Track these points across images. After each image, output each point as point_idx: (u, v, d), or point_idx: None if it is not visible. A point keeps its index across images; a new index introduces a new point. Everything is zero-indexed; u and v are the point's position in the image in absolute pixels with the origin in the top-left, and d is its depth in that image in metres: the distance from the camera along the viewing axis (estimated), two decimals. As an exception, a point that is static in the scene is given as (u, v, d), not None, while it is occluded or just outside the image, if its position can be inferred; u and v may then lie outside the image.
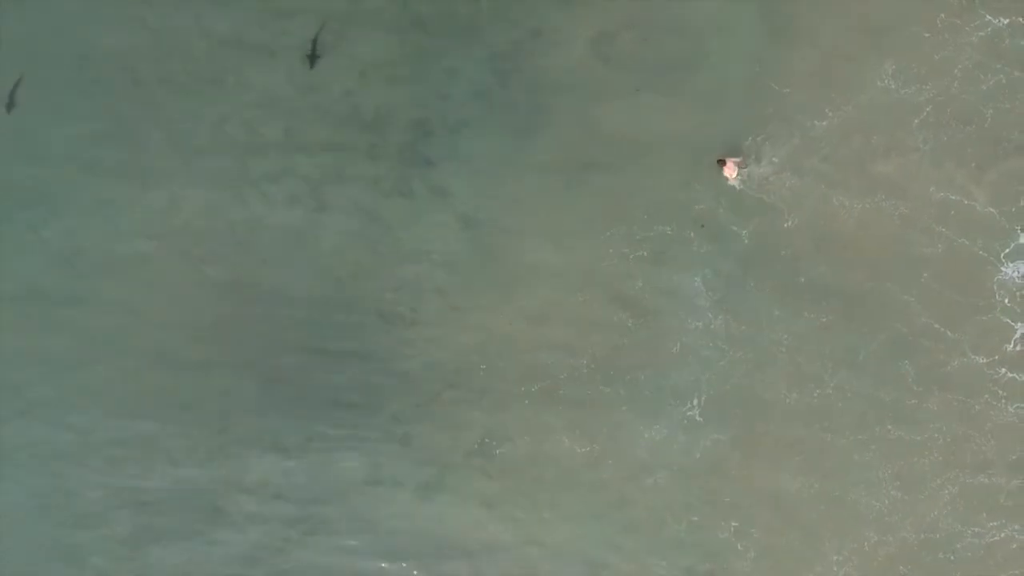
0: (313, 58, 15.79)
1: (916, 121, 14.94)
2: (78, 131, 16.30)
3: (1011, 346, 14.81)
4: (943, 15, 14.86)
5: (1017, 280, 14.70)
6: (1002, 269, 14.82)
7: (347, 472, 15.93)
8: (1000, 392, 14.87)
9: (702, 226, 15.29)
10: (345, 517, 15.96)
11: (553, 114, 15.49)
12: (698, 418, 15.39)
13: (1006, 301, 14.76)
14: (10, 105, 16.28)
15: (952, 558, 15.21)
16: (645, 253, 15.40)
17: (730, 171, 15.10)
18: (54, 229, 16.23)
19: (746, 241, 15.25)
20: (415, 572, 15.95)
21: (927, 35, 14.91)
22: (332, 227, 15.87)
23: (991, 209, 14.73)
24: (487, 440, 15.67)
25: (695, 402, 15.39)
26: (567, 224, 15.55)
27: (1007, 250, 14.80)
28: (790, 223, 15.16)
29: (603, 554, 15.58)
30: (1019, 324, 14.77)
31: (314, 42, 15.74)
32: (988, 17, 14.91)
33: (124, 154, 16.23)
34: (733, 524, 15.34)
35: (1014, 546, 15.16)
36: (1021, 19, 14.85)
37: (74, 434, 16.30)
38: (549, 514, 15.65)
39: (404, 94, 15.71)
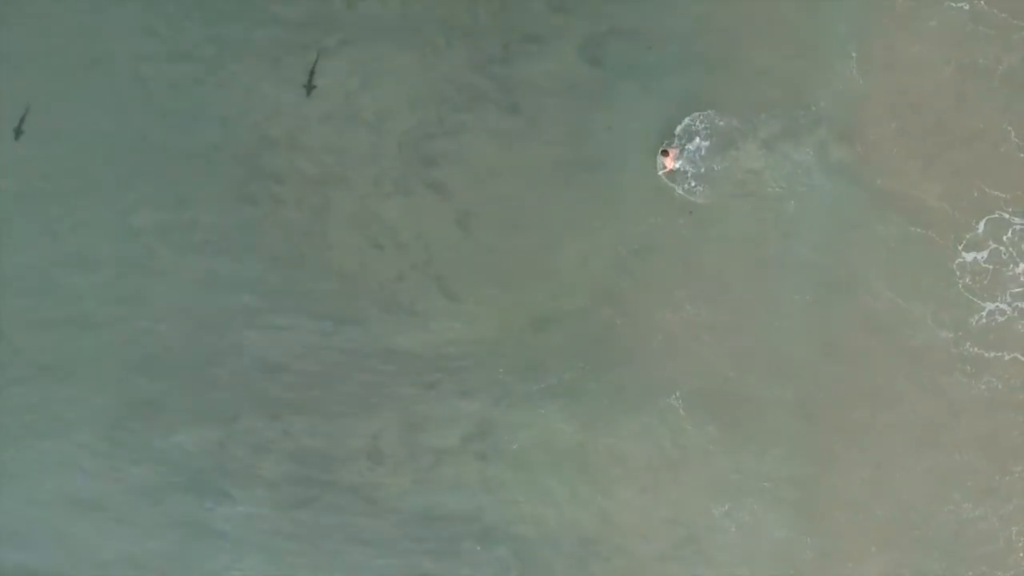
0: (310, 87, 16.57)
1: (878, 110, 15.53)
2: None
3: (975, 321, 15.27)
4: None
5: (982, 263, 15.17)
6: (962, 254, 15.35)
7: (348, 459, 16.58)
8: (968, 368, 15.36)
9: (690, 212, 15.92)
10: (344, 501, 16.57)
11: (546, 115, 16.23)
12: (681, 411, 15.95)
13: (967, 280, 15.27)
14: (18, 132, 16.97)
15: (927, 536, 15.66)
16: (637, 246, 16.06)
17: (671, 161, 15.88)
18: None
19: (729, 227, 15.93)
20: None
21: (886, 22, 15.44)
22: (335, 224, 16.59)
23: (944, 204, 15.28)
24: (483, 429, 16.31)
25: (677, 393, 15.99)
26: (560, 220, 16.26)
27: (962, 244, 15.34)
28: (770, 210, 15.82)
29: (595, 533, 16.18)
30: (987, 303, 15.22)
31: (311, 72, 16.54)
32: (948, 2, 15.25)
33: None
34: (725, 507, 15.87)
35: (985, 525, 15.60)
36: (982, 3, 15.17)
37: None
38: (543, 498, 16.25)
39: (404, 97, 16.48)
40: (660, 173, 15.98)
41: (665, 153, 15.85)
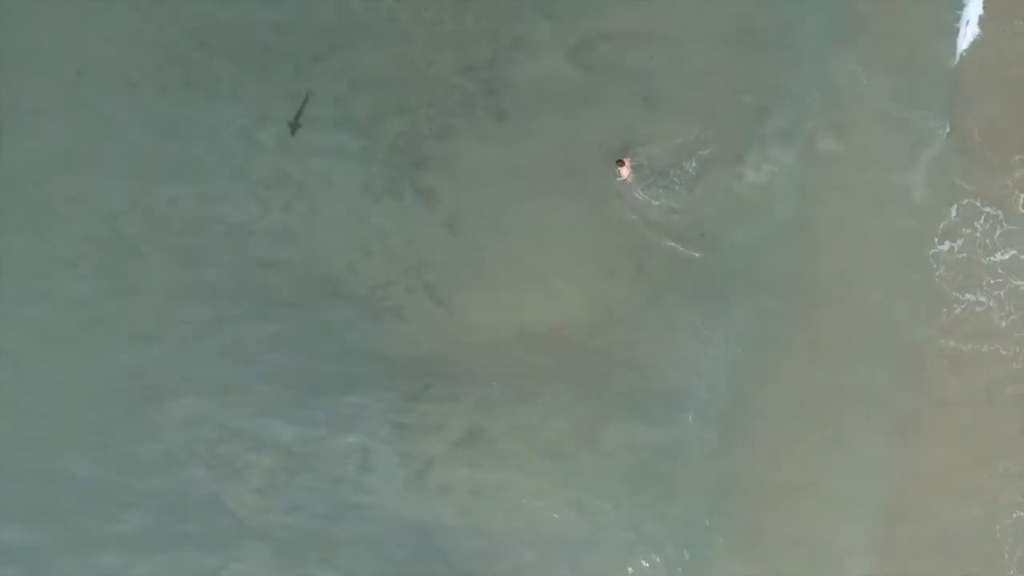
0: (295, 126, 16.83)
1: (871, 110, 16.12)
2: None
3: (949, 316, 15.71)
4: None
5: (958, 254, 15.70)
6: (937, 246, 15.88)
7: (339, 461, 16.72)
8: (945, 363, 15.82)
9: (701, 235, 16.32)
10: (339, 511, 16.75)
11: (534, 120, 16.59)
12: (689, 420, 16.34)
13: (942, 270, 15.81)
14: None
15: (912, 535, 16.01)
16: (632, 264, 16.48)
17: (626, 172, 16.43)
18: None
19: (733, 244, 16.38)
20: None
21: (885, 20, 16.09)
22: (323, 228, 16.79)
23: (926, 191, 15.85)
24: (473, 436, 16.58)
25: (681, 403, 16.34)
26: (551, 228, 16.59)
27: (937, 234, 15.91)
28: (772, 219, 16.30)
29: (589, 540, 16.53)
30: (967, 295, 15.71)
31: (298, 113, 16.80)
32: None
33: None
34: (713, 517, 16.27)
35: (971, 523, 15.96)
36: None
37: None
38: (538, 502, 16.54)
39: (393, 101, 16.75)
40: (618, 180, 16.47)
41: (621, 163, 16.34)
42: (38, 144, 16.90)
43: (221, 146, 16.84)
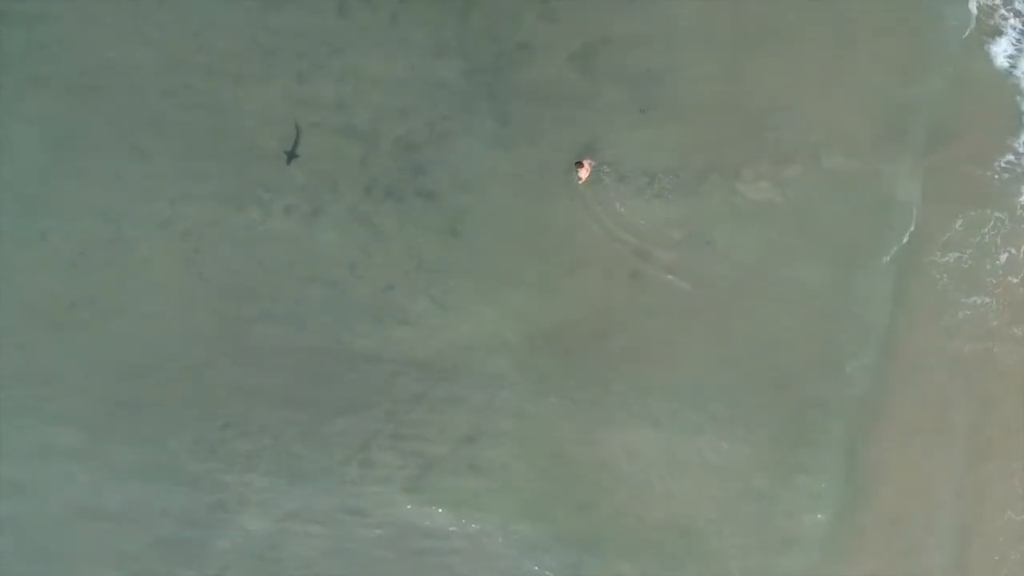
0: (291, 156, 16.93)
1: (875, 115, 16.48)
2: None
3: (957, 318, 16.12)
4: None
5: (965, 264, 16.12)
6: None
7: (338, 465, 16.83)
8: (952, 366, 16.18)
9: (707, 242, 16.56)
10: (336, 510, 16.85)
11: (535, 124, 16.72)
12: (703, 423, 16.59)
13: (946, 278, 16.22)
14: None
15: (910, 539, 16.28)
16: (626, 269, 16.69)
17: (585, 172, 16.67)
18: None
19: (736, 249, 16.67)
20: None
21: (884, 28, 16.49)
22: (326, 231, 16.87)
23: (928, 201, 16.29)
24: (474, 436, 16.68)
25: (678, 407, 16.58)
26: (550, 229, 16.73)
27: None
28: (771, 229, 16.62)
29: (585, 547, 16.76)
30: (972, 298, 16.14)
31: (295, 143, 16.90)
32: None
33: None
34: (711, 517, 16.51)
35: (974, 526, 16.26)
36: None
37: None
38: (534, 499, 16.67)
39: (396, 105, 16.84)
40: (579, 183, 16.69)
41: (580, 164, 16.57)
42: (40, 144, 16.91)
43: (223, 149, 16.88)
